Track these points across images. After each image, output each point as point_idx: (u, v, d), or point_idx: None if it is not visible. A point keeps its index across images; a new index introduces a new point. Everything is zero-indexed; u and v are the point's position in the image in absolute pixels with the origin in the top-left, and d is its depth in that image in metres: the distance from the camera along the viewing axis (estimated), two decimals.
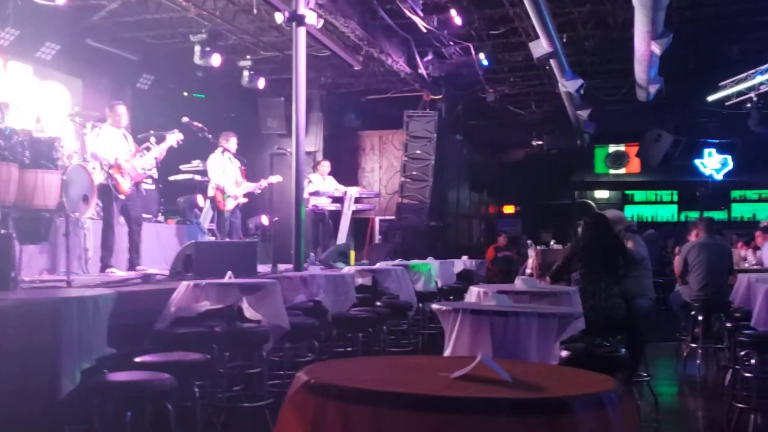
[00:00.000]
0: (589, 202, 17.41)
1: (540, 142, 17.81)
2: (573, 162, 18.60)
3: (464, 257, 12.16)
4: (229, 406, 5.37)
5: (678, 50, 10.74)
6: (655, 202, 19.46)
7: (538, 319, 3.63)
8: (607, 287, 6.22)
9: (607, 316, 6.15)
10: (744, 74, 12.05)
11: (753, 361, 5.64)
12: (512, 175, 18.82)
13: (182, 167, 10.74)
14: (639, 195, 19.51)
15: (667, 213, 19.14)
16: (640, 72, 11.52)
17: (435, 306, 3.99)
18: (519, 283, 5.33)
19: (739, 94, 12.37)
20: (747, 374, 5.78)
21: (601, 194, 19.44)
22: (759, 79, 11.78)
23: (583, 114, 14.49)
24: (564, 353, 4.74)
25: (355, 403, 1.62)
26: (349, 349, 6.69)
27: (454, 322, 3.78)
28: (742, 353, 6.06)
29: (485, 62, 12.22)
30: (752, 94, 12.07)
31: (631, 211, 19.15)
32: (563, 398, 1.62)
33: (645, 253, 6.92)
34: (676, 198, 19.25)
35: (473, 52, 11.99)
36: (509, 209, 20.17)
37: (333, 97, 14.88)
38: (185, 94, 13.18)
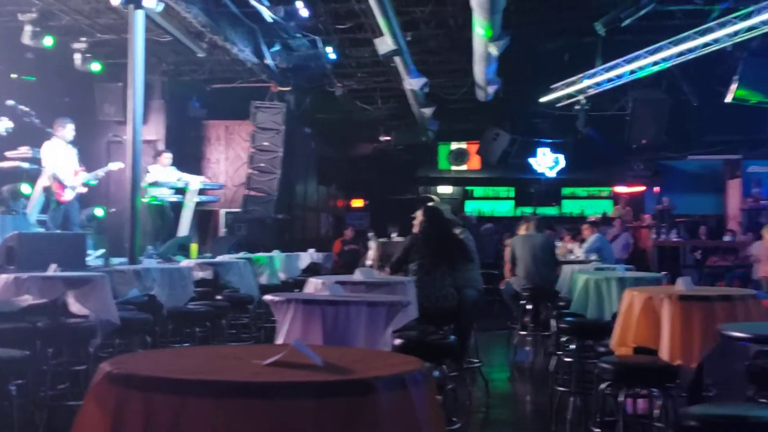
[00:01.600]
0: (432, 197, 17.94)
1: (387, 138, 18.15)
2: (418, 158, 19.10)
3: (311, 250, 12.18)
4: (52, 405, 5.10)
5: (515, 53, 11.26)
6: (494, 198, 20.37)
7: (367, 307, 3.71)
8: (441, 278, 6.46)
9: (440, 305, 6.38)
10: (573, 78, 12.84)
11: (573, 347, 6.04)
12: (360, 169, 19.07)
13: (8, 154, 10.03)
14: (479, 191, 20.35)
15: (505, 208, 20.07)
16: (479, 72, 11.99)
17: (268, 297, 3.98)
18: (357, 274, 5.41)
19: (569, 96, 13.17)
20: (568, 359, 6.18)
21: (445, 190, 20.10)
22: (586, 83, 12.59)
23: (427, 112, 14.90)
24: (397, 341, 4.89)
25: (157, 392, 1.58)
26: (186, 344, 6.53)
27: (286, 312, 3.79)
28: (564, 339, 6.49)
29: (333, 56, 12.28)
30: (580, 97, 12.91)
31: (471, 206, 19.95)
32: (367, 380, 1.66)
33: (474, 247, 7.24)
34: (512, 194, 20.22)
35: (320, 45, 12.02)
36: (358, 203, 20.42)
37: (176, 84, 14.42)
38: (14, 76, 12.31)
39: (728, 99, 11.41)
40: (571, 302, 6.92)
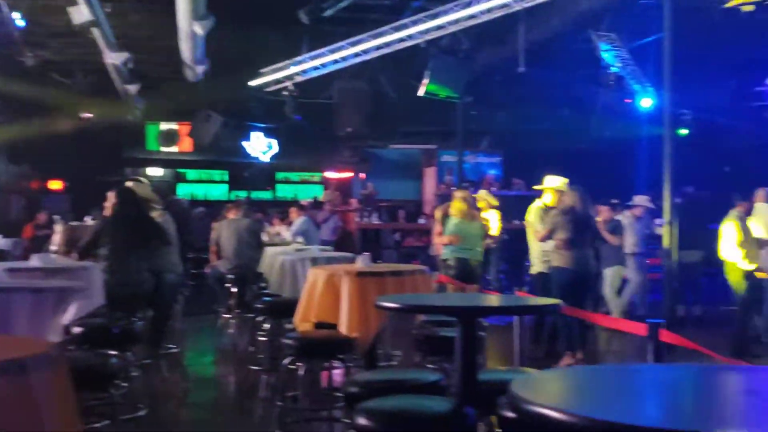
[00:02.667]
0: (140, 178, 17.13)
1: (89, 115, 16.97)
2: (125, 138, 18.11)
3: None
4: None
5: (226, 33, 11.13)
6: (207, 182, 20.02)
7: (31, 294, 3.46)
8: (137, 262, 6.21)
9: (134, 290, 6.14)
10: (281, 64, 13.02)
11: (268, 326, 6.16)
12: (59, 148, 17.59)
13: None
14: (192, 174, 19.87)
15: (219, 192, 19.83)
16: (186, 51, 11.68)
17: None
18: (34, 260, 5.01)
19: (278, 82, 13.34)
20: (262, 338, 6.29)
21: (155, 172, 19.31)
22: (293, 69, 12.84)
23: (133, 89, 14.21)
24: (77, 329, 4.61)
25: None
26: None
27: None
28: (261, 319, 6.59)
29: (21, 22, 11.18)
30: (289, 84, 13.13)
31: (184, 190, 19.42)
32: None
33: (173, 230, 7.07)
34: (227, 178, 20.03)
35: (6, 9, 10.86)
36: (56, 185, 18.85)
37: None
38: None
39: (421, 92, 12.34)
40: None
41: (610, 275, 9.86)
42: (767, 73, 13.21)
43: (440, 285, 7.59)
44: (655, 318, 3.92)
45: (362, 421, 2.63)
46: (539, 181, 8.00)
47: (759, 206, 8.02)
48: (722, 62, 15.07)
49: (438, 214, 8.95)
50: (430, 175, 19.22)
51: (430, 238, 15.35)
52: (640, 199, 10.41)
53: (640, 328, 3.81)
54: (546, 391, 1.46)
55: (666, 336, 3.77)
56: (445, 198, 17.32)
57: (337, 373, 5.21)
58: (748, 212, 7.78)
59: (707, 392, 1.61)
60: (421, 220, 16.31)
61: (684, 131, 16.98)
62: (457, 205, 8.08)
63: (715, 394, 1.61)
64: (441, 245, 8.37)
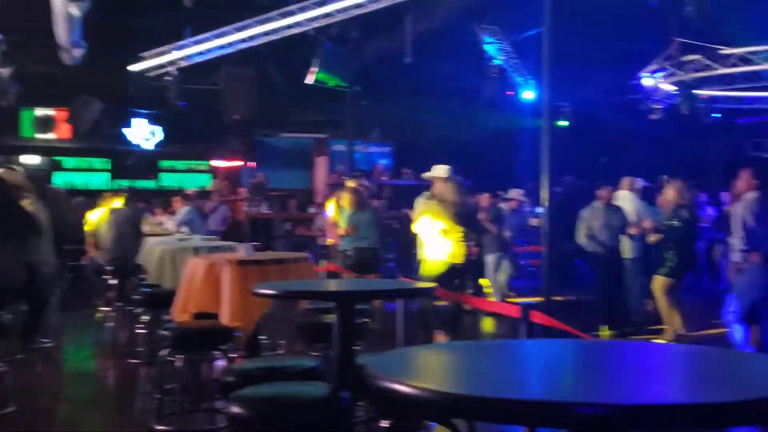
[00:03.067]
0: (13, 167, 16.24)
1: None
2: None
3: None
4: None
5: (106, 16, 10.70)
6: (87, 170, 19.18)
7: None
8: (14, 253, 5.91)
9: (6, 283, 5.85)
10: (163, 48, 12.64)
11: (147, 318, 5.99)
12: None
13: None
14: (70, 162, 18.98)
15: (100, 181, 19.05)
16: (62, 33, 11.13)
17: None
18: None
19: (161, 67, 12.93)
20: (141, 331, 6.10)
21: (30, 159, 18.35)
22: (177, 54, 12.48)
23: (5, 72, 13.43)
24: None
25: None
26: None
27: None
28: (140, 311, 6.39)
29: None
30: (172, 68, 12.74)
31: (61, 178, 18.54)
32: None
33: (44, 219, 6.75)
34: (108, 166, 19.29)
35: None
36: None
37: None
38: None
39: (309, 81, 12.27)
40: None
41: (491, 261, 10.19)
42: (641, 67, 13.90)
43: (331, 274, 7.61)
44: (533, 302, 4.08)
45: (236, 409, 2.59)
46: (428, 171, 8.04)
47: (621, 194, 8.47)
48: (600, 57, 15.75)
49: (333, 204, 8.93)
50: (321, 164, 19.18)
51: (322, 228, 15.38)
52: (515, 193, 10.86)
53: (513, 310, 3.94)
54: (399, 366, 1.48)
55: (537, 317, 3.92)
56: (336, 187, 17.40)
57: (219, 364, 5.12)
58: (609, 201, 8.19)
59: (555, 365, 1.68)
60: (312, 210, 16.26)
61: (564, 123, 17.67)
62: (349, 196, 8.10)
63: (562, 366, 1.68)
64: (338, 236, 8.36)
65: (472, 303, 5.98)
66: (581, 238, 8.16)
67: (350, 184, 8.25)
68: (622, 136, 19.91)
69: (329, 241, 8.74)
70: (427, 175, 7.73)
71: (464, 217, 6.90)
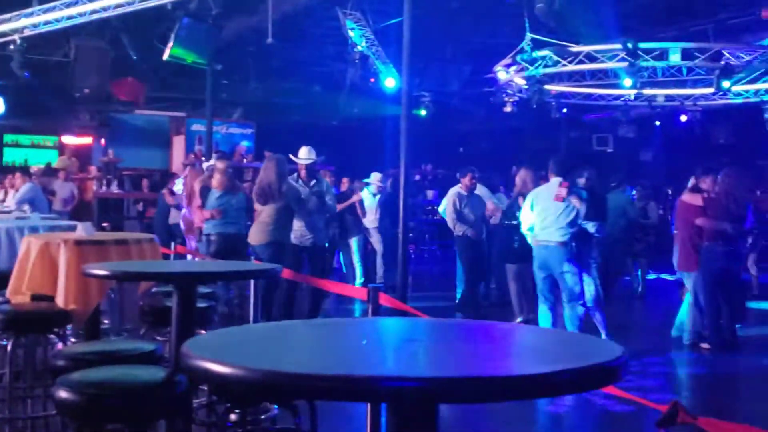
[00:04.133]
0: None
1: None
2: None
3: None
4: None
5: None
6: None
7: None
8: None
9: None
10: (9, 15, 11.78)
11: None
12: None
13: None
14: None
15: None
16: None
17: None
18: None
19: (4, 35, 12.04)
20: None
21: None
22: (24, 21, 11.66)
23: None
24: None
25: None
26: None
27: None
28: None
29: None
30: (16, 37, 11.89)
31: None
32: None
33: None
34: None
35: None
36: None
37: None
38: None
39: (165, 56, 11.83)
40: None
41: (354, 245, 10.51)
42: (497, 60, 14.39)
43: (180, 257, 7.37)
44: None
45: (63, 393, 2.48)
46: (294, 154, 7.83)
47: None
48: (459, 49, 16.20)
49: (197, 186, 8.34)
50: (179, 143, 18.60)
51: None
52: (375, 177, 11.05)
53: (361, 293, 4.00)
54: (215, 346, 1.47)
55: (384, 299, 4.00)
56: (194, 168, 16.91)
57: (56, 350, 4.87)
58: (470, 188, 8.51)
59: (376, 342, 1.73)
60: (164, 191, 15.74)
61: (423, 112, 18.06)
62: (219, 177, 7.71)
63: (381, 343, 1.73)
64: (202, 220, 7.87)
65: (321, 286, 6.02)
66: (450, 222, 8.56)
67: (220, 165, 7.72)
68: (476, 127, 20.63)
69: (197, 224, 8.17)
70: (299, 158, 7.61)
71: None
